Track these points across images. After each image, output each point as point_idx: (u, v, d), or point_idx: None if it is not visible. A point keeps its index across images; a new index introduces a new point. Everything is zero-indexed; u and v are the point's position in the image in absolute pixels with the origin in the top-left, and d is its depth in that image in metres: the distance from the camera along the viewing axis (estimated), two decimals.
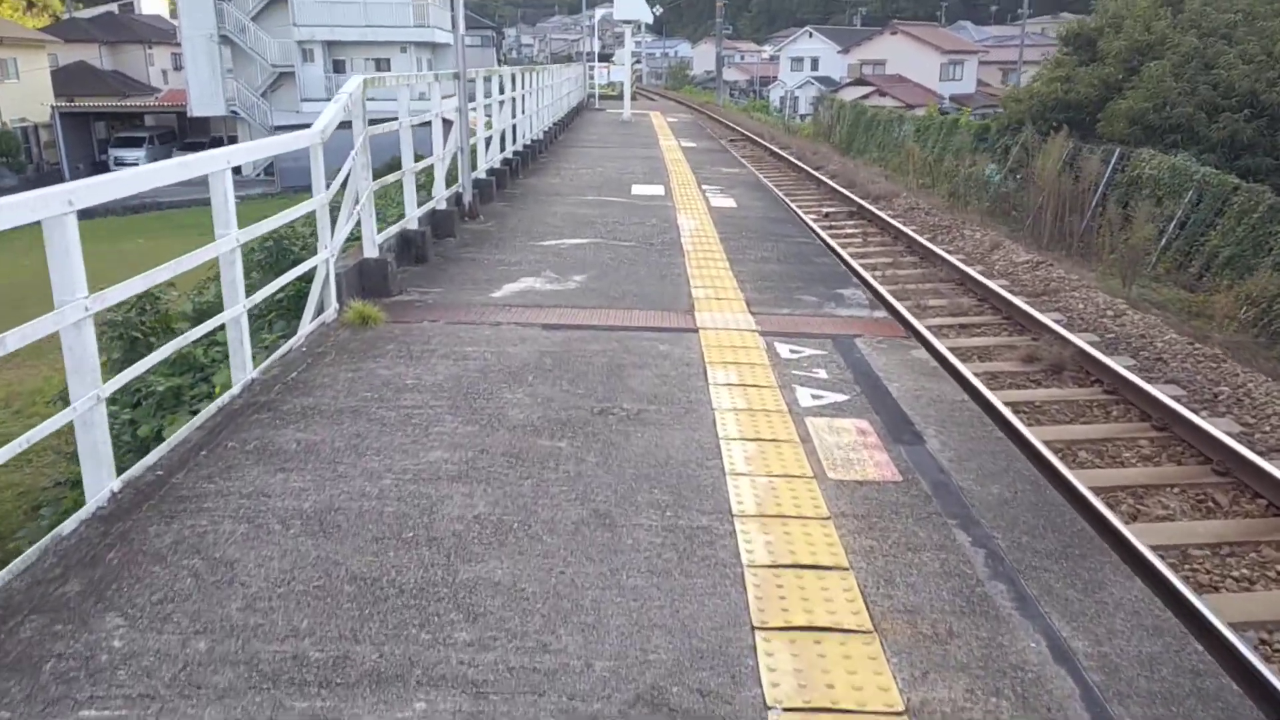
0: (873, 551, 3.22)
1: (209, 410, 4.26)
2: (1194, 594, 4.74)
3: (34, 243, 3.09)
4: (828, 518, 3.46)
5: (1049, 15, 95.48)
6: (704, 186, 13.02)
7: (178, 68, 55.21)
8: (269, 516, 3.32)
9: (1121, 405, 8.07)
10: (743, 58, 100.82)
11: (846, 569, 3.11)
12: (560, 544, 3.19)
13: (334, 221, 5.95)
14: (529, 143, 15.19)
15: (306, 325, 5.73)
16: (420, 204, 8.31)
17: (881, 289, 11.38)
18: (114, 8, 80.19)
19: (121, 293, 3.57)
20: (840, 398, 4.74)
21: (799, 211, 14.99)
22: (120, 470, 3.56)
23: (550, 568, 3.04)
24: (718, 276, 7.44)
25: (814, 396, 4.74)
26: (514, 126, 13.76)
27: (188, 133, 52.98)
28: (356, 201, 6.39)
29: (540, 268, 7.59)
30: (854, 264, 12.49)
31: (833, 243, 13.33)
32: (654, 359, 5.23)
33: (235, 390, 4.51)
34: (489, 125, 11.57)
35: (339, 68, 47.29)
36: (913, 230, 15.74)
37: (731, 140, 32.05)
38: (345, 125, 6.19)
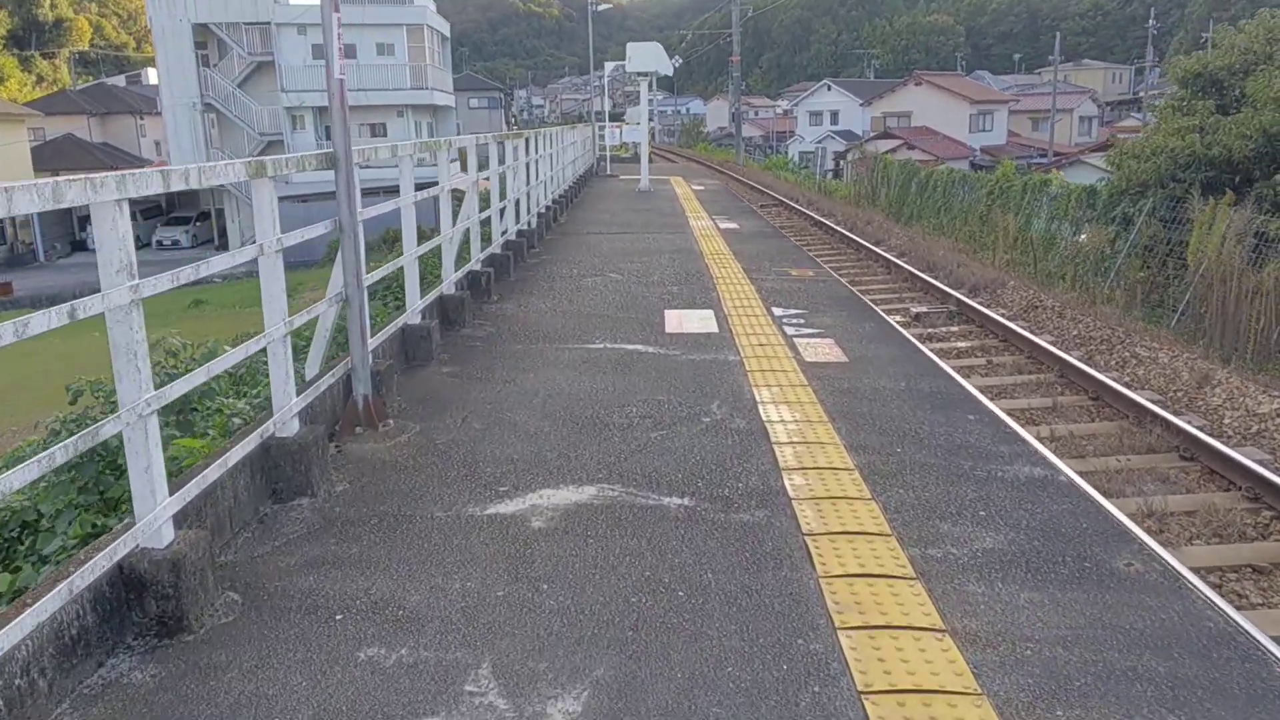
0: None
1: None
2: None
3: None
4: None
5: (1071, 63, 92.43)
6: (775, 309, 8.43)
7: None
8: None
9: None
10: (756, 113, 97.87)
11: None
12: None
13: None
14: (513, 238, 10.73)
15: None
16: (225, 446, 3.80)
17: None
18: (121, 79, 77.92)
19: None
20: None
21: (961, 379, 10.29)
22: None
23: None
24: (933, 673, 2.81)
25: None
26: (488, 220, 9.31)
27: (176, 206, 49.66)
28: None
29: (467, 667, 2.97)
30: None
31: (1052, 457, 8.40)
32: None
33: None
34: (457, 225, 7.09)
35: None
36: (1050, 344, 11.09)
37: (763, 205, 27.79)
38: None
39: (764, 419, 5.25)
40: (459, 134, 43.74)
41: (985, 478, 4.45)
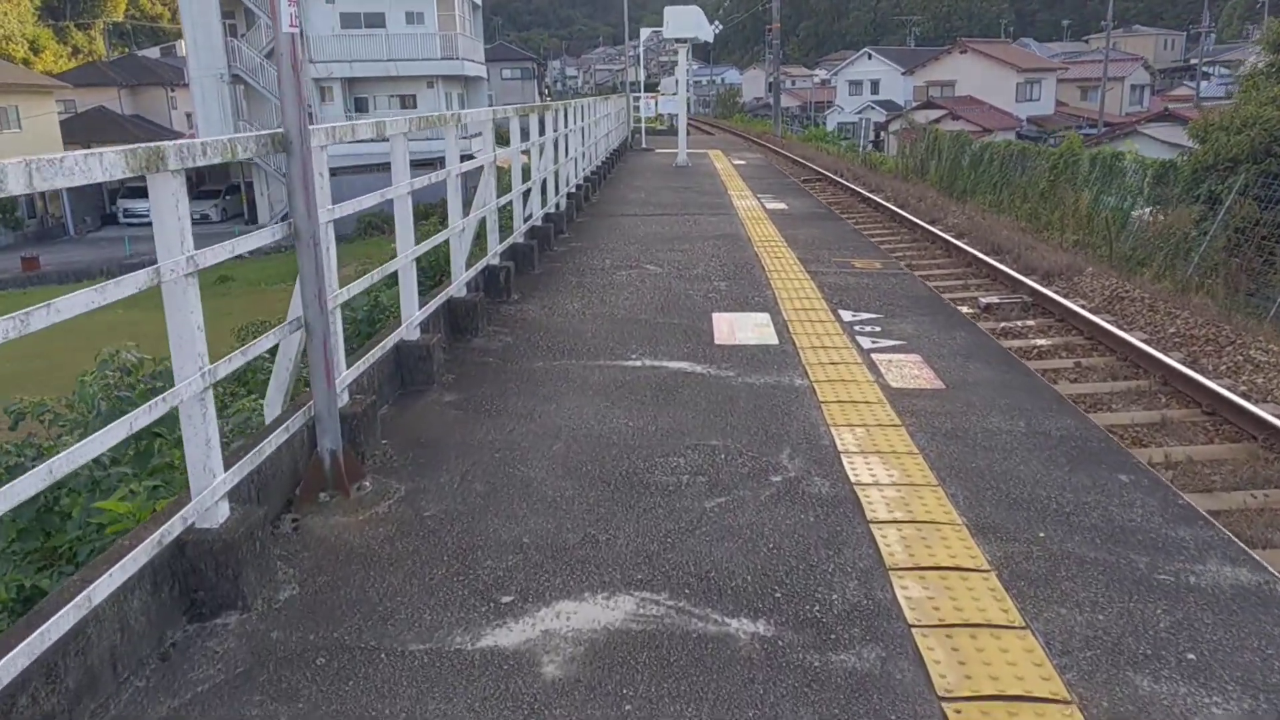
0: None
1: None
2: None
3: None
4: None
5: (1121, 29, 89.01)
6: (843, 313, 7.16)
7: None
8: None
9: None
10: (794, 83, 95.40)
11: None
12: None
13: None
14: (539, 223, 9.53)
15: None
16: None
17: None
18: (155, 51, 77.35)
19: None
20: None
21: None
22: None
23: None
24: None
25: None
26: (509, 204, 8.10)
27: (205, 180, 48.91)
28: None
29: None
30: None
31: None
32: None
33: None
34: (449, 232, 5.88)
35: (360, 106, 42.86)
36: (1143, 342, 9.67)
37: (807, 181, 26.30)
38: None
39: (852, 479, 4.02)
40: (491, 105, 42.42)
41: (1174, 586, 3.19)
